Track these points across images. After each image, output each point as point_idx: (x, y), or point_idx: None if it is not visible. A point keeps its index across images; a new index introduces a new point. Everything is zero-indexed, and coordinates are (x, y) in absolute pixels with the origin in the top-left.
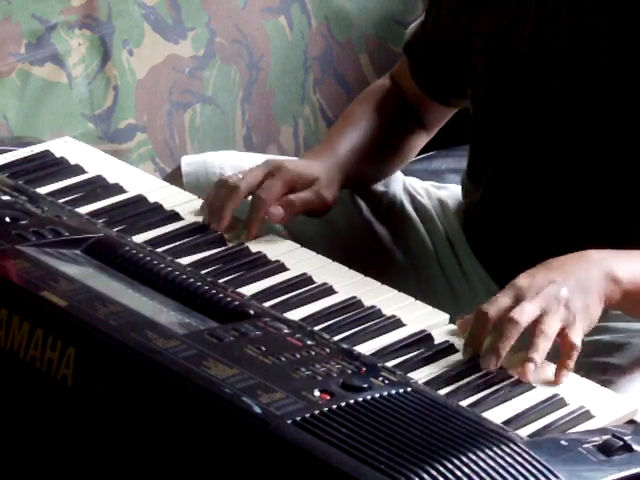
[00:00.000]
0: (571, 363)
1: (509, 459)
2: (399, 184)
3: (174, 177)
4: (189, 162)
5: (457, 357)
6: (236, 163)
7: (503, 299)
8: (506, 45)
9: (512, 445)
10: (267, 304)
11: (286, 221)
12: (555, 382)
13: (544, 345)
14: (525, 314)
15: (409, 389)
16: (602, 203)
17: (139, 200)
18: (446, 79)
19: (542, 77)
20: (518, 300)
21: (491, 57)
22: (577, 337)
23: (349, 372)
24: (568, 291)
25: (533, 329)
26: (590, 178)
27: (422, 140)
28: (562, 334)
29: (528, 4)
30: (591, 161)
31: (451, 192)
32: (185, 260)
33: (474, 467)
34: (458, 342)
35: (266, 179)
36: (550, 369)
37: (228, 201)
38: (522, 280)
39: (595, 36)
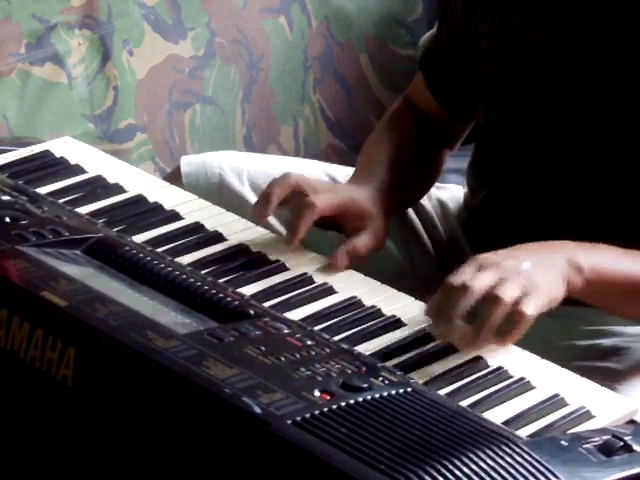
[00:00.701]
0: (517, 332)
1: (509, 459)
2: None
3: (174, 177)
4: (188, 162)
5: (457, 357)
6: (236, 164)
7: (463, 271)
8: (516, 48)
9: (512, 445)
10: (267, 304)
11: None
12: (499, 343)
13: (496, 311)
14: (478, 281)
15: (409, 389)
16: (609, 205)
17: (139, 200)
18: (463, 90)
19: (553, 81)
20: (478, 270)
21: (500, 60)
22: (529, 307)
23: (349, 372)
24: (530, 265)
25: (487, 294)
26: (598, 182)
27: (448, 153)
28: (515, 303)
29: (540, 7)
30: (600, 165)
31: (451, 193)
32: (185, 260)
33: (474, 467)
34: (458, 342)
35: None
36: (550, 368)
37: (276, 187)
38: (485, 254)
39: (607, 41)
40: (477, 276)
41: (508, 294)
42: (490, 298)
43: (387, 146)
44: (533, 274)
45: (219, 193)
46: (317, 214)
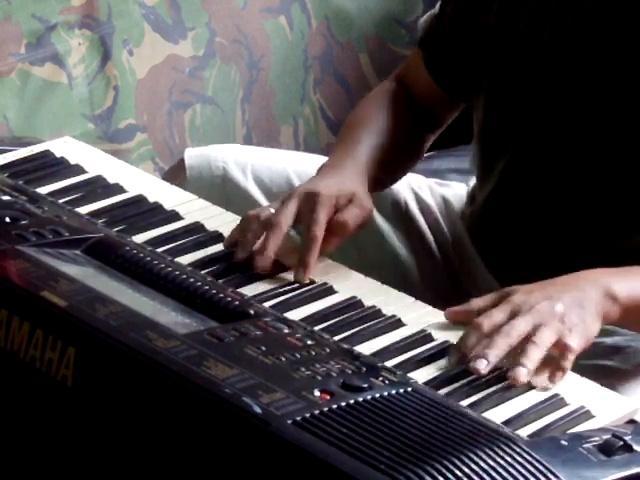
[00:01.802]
0: (566, 364)
1: (509, 459)
2: (403, 181)
3: (177, 170)
4: (192, 155)
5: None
6: (240, 158)
7: (498, 314)
8: (525, 44)
9: (512, 445)
10: (267, 304)
11: (340, 244)
12: (550, 381)
13: (534, 352)
14: (516, 328)
15: (409, 389)
16: (616, 202)
17: (139, 200)
18: (463, 71)
19: (561, 77)
20: (513, 315)
21: (509, 55)
22: (573, 341)
23: (349, 372)
24: (564, 307)
25: (525, 340)
26: (603, 178)
27: (431, 139)
28: (557, 342)
29: (548, 4)
30: (607, 162)
31: (454, 190)
32: (185, 260)
33: (474, 467)
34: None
35: (302, 209)
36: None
37: (271, 241)
38: (518, 296)
39: (616, 38)
40: (515, 322)
41: (545, 340)
42: (528, 343)
43: (373, 124)
44: (568, 314)
45: (222, 186)
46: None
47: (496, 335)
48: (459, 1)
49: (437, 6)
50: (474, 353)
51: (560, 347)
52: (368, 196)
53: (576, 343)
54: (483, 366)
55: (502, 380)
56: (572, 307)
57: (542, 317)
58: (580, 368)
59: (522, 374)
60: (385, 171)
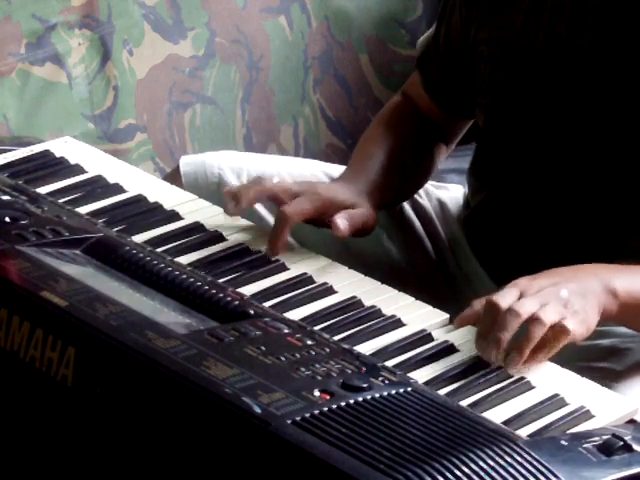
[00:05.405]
0: (554, 347)
1: (509, 459)
2: None
3: (174, 177)
4: (188, 162)
5: (457, 357)
6: (235, 164)
7: (507, 294)
8: (517, 54)
9: (512, 445)
10: (267, 304)
11: (348, 235)
12: (526, 362)
13: (537, 330)
14: (525, 307)
15: (409, 389)
16: (609, 208)
17: (139, 200)
18: (460, 92)
19: (553, 86)
20: (520, 297)
21: (500, 65)
22: (571, 325)
23: (349, 372)
24: (568, 293)
25: (529, 318)
26: (599, 185)
27: (444, 153)
28: (556, 324)
29: (541, 14)
30: (600, 168)
31: (451, 193)
32: (185, 260)
33: (474, 467)
34: (458, 342)
35: (295, 197)
36: (550, 368)
37: (276, 232)
38: (524, 280)
39: (609, 48)
40: (522, 302)
41: (549, 317)
42: (532, 320)
43: (383, 140)
44: (572, 301)
45: (218, 193)
46: (292, 224)
47: (505, 315)
48: (452, 19)
49: (433, 28)
50: (487, 341)
51: (556, 329)
52: (372, 211)
53: (575, 327)
54: (495, 353)
55: (502, 380)
56: (576, 295)
57: (547, 298)
58: (577, 370)
59: (523, 359)
60: (395, 189)
